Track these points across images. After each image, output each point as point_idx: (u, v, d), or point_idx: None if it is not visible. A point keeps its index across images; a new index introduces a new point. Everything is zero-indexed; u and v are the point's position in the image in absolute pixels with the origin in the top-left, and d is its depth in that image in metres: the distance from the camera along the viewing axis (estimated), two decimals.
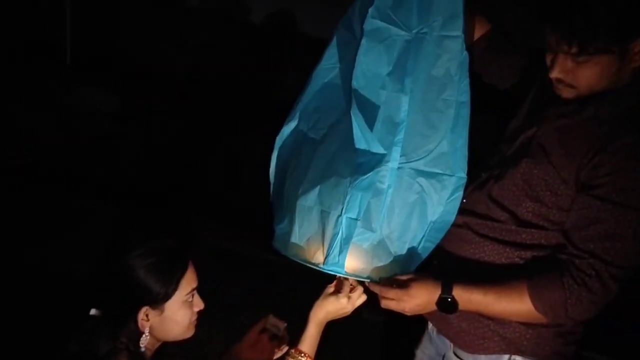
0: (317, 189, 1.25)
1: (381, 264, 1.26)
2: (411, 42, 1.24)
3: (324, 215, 1.23)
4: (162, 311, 1.20)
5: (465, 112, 1.26)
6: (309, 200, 1.25)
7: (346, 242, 1.22)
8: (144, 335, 1.19)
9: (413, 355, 1.56)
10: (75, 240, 3.12)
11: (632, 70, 1.17)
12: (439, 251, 1.33)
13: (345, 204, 1.20)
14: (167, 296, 1.19)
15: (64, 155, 4.13)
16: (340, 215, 1.20)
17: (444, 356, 1.40)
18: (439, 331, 1.40)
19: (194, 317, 1.25)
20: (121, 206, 3.60)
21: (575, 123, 1.20)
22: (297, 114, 1.36)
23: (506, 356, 1.29)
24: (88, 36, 4.28)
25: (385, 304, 1.23)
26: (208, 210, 3.88)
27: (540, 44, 1.19)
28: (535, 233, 1.24)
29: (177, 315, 1.21)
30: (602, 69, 1.14)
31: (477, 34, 1.46)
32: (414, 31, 1.25)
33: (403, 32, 1.25)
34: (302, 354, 1.26)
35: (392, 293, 1.22)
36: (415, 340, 1.56)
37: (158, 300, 1.18)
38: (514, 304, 1.19)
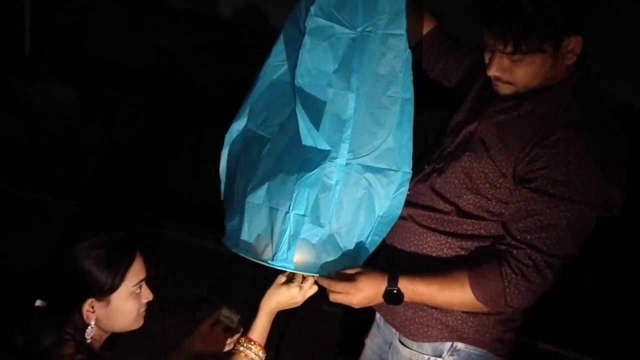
0: (265, 186, 1.26)
1: (330, 258, 1.28)
2: (356, 40, 1.26)
3: (272, 212, 1.24)
4: (108, 303, 1.20)
5: (410, 108, 1.28)
6: (257, 198, 1.26)
7: (294, 238, 1.23)
8: (89, 327, 1.19)
9: (364, 344, 1.60)
10: (28, 236, 3.07)
11: (566, 67, 1.22)
12: (386, 243, 1.36)
13: (293, 200, 1.21)
14: (113, 288, 1.19)
15: (23, 151, 4.04)
16: (288, 212, 1.22)
17: (390, 344, 1.44)
18: (386, 320, 1.44)
19: (143, 309, 1.26)
20: (80, 202, 3.56)
21: (513, 119, 1.24)
22: (246, 112, 1.37)
23: (448, 343, 1.33)
24: (48, 26, 4.18)
25: (333, 297, 1.26)
26: (171, 206, 3.86)
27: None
28: (476, 224, 1.28)
29: (124, 306, 1.21)
30: (537, 66, 1.19)
31: (424, 30, 1.50)
32: (358, 29, 1.26)
33: (348, 30, 1.26)
34: (252, 343, 1.27)
35: (340, 287, 1.24)
36: (367, 330, 1.60)
37: (104, 292, 1.19)
38: (456, 294, 1.23)
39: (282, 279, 1.32)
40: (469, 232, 1.29)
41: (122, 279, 1.20)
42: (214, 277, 3.09)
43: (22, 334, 1.18)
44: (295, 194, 1.21)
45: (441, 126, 1.43)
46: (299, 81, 1.26)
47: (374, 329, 1.56)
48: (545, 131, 1.19)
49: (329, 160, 1.24)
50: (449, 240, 1.30)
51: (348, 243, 1.29)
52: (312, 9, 1.25)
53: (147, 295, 1.26)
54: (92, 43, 4.23)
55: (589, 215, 1.19)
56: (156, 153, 3.94)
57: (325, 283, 1.27)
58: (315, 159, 1.23)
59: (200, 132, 3.90)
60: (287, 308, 1.31)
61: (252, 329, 1.30)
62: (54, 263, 1.20)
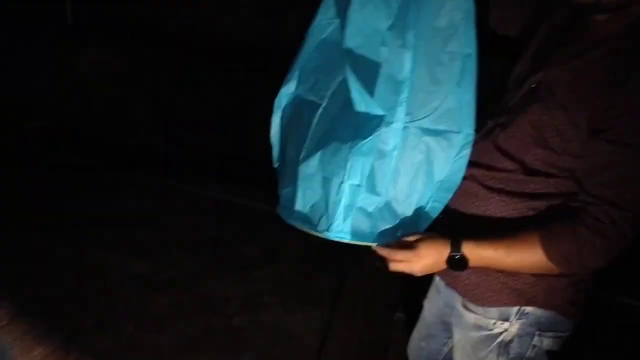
0: (318, 155, 1.20)
1: (388, 226, 1.23)
2: None
3: (326, 182, 1.20)
4: None
5: (472, 64, 1.19)
6: (310, 167, 1.21)
7: (349, 209, 1.19)
8: None
9: (421, 306, 1.56)
10: (81, 203, 3.15)
11: None
12: (447, 207, 1.28)
13: (347, 170, 1.16)
14: None
15: (75, 118, 4.12)
16: (342, 182, 1.17)
17: (453, 308, 1.40)
18: (447, 284, 1.39)
19: None
20: (130, 168, 3.62)
21: (587, 63, 1.13)
22: (296, 74, 1.30)
23: (516, 307, 1.27)
24: None
25: (394, 266, 1.21)
26: (220, 167, 3.88)
27: None
28: (545, 181, 1.19)
29: None
30: None
31: None
32: None
33: None
34: None
35: (400, 255, 1.20)
36: (422, 290, 1.56)
37: None
38: (527, 257, 1.16)
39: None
40: (537, 191, 1.20)
41: None
42: (264, 238, 3.12)
43: None
44: (349, 163, 1.16)
45: (502, 78, 1.33)
46: (349, 43, 1.18)
47: (432, 292, 1.51)
48: (623, 74, 1.07)
49: (385, 126, 1.16)
50: (515, 200, 1.21)
51: (406, 210, 1.23)
52: None
53: None
54: (132, 7, 4.21)
55: None
56: (203, 114, 3.95)
57: (384, 252, 1.22)
58: (369, 124, 1.16)
59: (246, 92, 3.86)
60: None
61: None
62: None
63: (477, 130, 1.27)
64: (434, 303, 1.50)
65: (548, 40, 1.25)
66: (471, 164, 1.25)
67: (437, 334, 1.52)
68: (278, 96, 1.32)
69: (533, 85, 1.20)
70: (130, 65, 4.04)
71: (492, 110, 1.30)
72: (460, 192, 1.27)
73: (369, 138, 1.15)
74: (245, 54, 3.94)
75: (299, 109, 1.30)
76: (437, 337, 1.52)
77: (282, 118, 1.34)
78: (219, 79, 3.86)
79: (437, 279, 1.47)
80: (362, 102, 1.17)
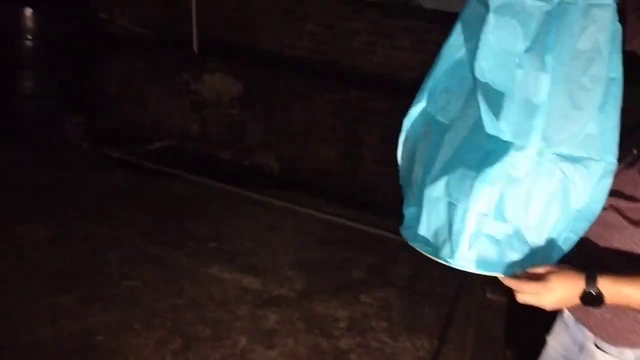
0: (444, 180, 1.17)
1: (517, 256, 1.17)
2: (552, 14, 1.12)
3: (451, 208, 1.16)
4: None
5: (616, 89, 1.11)
6: (436, 191, 1.19)
7: (475, 237, 1.14)
8: None
9: (544, 341, 1.47)
10: (203, 221, 3.33)
11: None
12: (582, 238, 1.22)
13: (473, 197, 1.12)
14: None
15: (198, 139, 4.39)
16: (467, 210, 1.12)
17: (582, 347, 1.31)
18: (578, 320, 1.30)
19: None
20: (245, 187, 3.78)
21: None
22: (425, 95, 1.29)
23: None
24: (211, 25, 4.47)
25: (522, 299, 1.14)
26: (329, 188, 3.95)
27: None
28: None
29: None
30: None
31: None
32: (555, 1, 1.12)
33: (542, 3, 1.12)
34: None
35: (529, 287, 1.13)
36: (545, 325, 1.47)
37: None
38: None
39: None
40: None
41: None
42: (373, 260, 3.12)
43: None
44: (475, 190, 1.11)
45: None
46: (482, 64, 1.14)
47: (559, 328, 1.42)
48: None
49: (517, 150, 1.11)
50: None
51: (538, 240, 1.16)
52: None
53: None
54: (252, 38, 4.45)
55: None
56: (315, 136, 4.05)
57: (511, 283, 1.15)
58: (498, 150, 1.12)
59: (357, 115, 3.92)
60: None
61: None
62: None
63: (622, 158, 1.20)
64: (560, 340, 1.41)
65: None
66: (613, 193, 1.17)
67: None
68: (407, 116, 1.31)
69: None
70: (245, 90, 4.25)
71: (637, 136, 1.23)
72: (598, 222, 1.18)
73: (496, 165, 1.11)
74: (355, 78, 4.01)
75: (428, 130, 1.28)
76: None
77: (409, 138, 1.32)
78: (330, 101, 3.96)
79: (565, 314, 1.38)
80: (491, 125, 1.13)
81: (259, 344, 2.35)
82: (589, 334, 1.26)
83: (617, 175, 1.17)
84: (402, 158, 1.34)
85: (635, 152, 1.19)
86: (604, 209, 1.17)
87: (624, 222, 1.17)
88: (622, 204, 1.18)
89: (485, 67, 1.14)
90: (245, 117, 4.30)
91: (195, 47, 4.47)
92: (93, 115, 4.43)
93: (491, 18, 1.13)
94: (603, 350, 1.23)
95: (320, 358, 2.34)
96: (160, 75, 4.49)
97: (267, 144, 4.28)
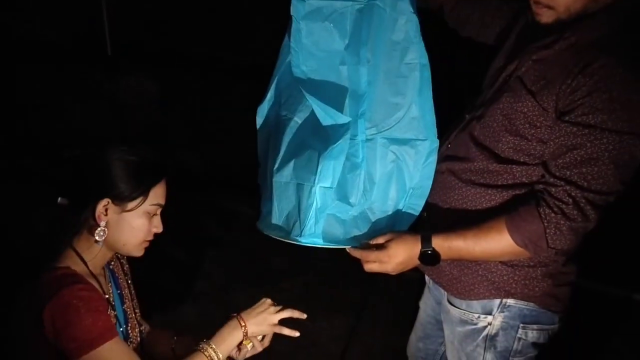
0: (291, 164, 1.24)
1: (361, 232, 1.26)
2: (363, 11, 1.21)
3: (299, 188, 1.23)
4: (122, 210, 1.19)
5: (428, 74, 1.22)
6: (284, 176, 1.25)
7: (321, 211, 1.21)
8: (99, 227, 1.18)
9: (413, 309, 1.60)
10: None
11: None
12: (426, 202, 1.32)
13: (318, 173, 1.19)
14: (132, 197, 1.18)
15: (115, 144, 4.35)
16: (313, 186, 1.19)
17: (440, 303, 1.42)
18: (434, 281, 1.41)
19: (149, 237, 1.24)
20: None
21: (555, 53, 1.17)
22: (272, 92, 1.35)
23: (497, 300, 1.29)
24: (125, 26, 4.44)
25: (368, 267, 1.24)
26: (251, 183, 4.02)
27: None
28: (517, 170, 1.22)
29: (135, 221, 1.20)
30: None
31: None
32: None
33: (351, 2, 1.21)
34: (213, 348, 1.22)
35: (372, 256, 1.22)
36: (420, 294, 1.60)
37: (121, 197, 1.18)
38: (494, 242, 1.18)
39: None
40: (510, 182, 1.22)
41: (142, 193, 1.19)
42: (294, 250, 3.20)
43: (43, 223, 1.24)
44: (320, 167, 1.19)
45: (479, 76, 1.38)
46: (303, 68, 1.22)
47: (425, 291, 1.55)
48: (587, 59, 1.10)
49: (352, 139, 1.20)
50: (490, 192, 1.24)
51: (380, 219, 1.26)
52: None
53: (158, 225, 1.24)
54: (166, 37, 4.44)
55: (633, 146, 1.10)
56: (237, 135, 4.10)
57: (357, 254, 1.25)
58: (338, 132, 1.20)
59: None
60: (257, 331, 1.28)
61: (215, 338, 1.24)
62: (84, 156, 1.21)
63: (457, 124, 1.32)
64: (427, 302, 1.54)
65: (521, 37, 1.30)
66: (449, 157, 1.29)
67: (433, 334, 1.54)
68: (258, 113, 1.37)
69: (507, 78, 1.24)
70: (164, 91, 4.26)
71: (470, 105, 1.34)
72: (439, 185, 1.30)
73: (338, 142, 1.18)
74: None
75: (277, 125, 1.34)
76: (433, 337, 1.55)
77: (263, 134, 1.39)
78: (243, 98, 4.02)
79: (426, 277, 1.51)
80: (326, 116, 1.20)
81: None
82: (443, 292, 1.39)
83: (453, 140, 1.30)
84: (260, 155, 1.40)
85: (467, 116, 1.32)
86: (442, 172, 1.29)
87: (459, 183, 1.28)
88: (457, 166, 1.28)
89: (307, 70, 1.22)
90: (164, 117, 4.30)
91: (108, 49, 4.43)
92: (4, 124, 4.32)
93: (301, 25, 1.21)
94: (454, 305, 1.36)
95: None
96: (73, 79, 4.42)
97: (188, 143, 4.29)
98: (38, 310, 1.12)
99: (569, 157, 1.13)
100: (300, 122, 1.27)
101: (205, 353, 1.21)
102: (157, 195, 1.23)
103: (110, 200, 1.19)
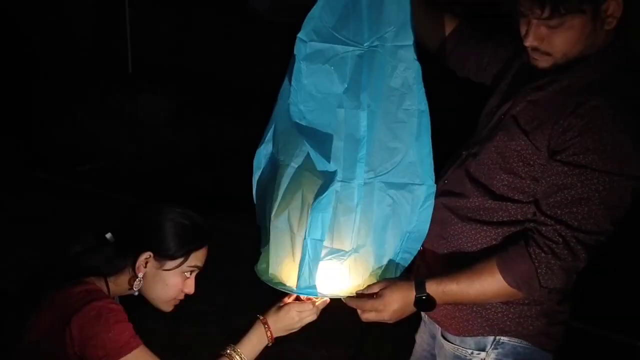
0: (286, 213, 1.25)
1: (360, 279, 1.26)
2: (363, 57, 1.22)
3: (293, 239, 1.24)
4: (161, 266, 1.26)
5: (426, 120, 1.24)
6: (280, 224, 1.26)
7: (314, 263, 1.21)
8: (137, 279, 1.26)
9: (414, 341, 1.60)
10: None
11: (606, 33, 1.14)
12: (425, 240, 1.31)
13: (308, 225, 1.19)
14: (173, 256, 1.26)
15: (129, 160, 4.43)
16: (305, 238, 1.19)
17: (434, 338, 1.41)
18: (430, 315, 1.40)
19: (181, 296, 1.31)
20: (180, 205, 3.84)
21: (549, 95, 1.19)
22: (269, 135, 1.36)
23: (491, 337, 1.28)
24: (147, 47, 4.56)
25: (365, 317, 1.24)
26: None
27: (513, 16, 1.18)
28: (512, 208, 1.22)
29: (170, 279, 1.27)
30: (576, 32, 1.13)
31: (447, 30, 1.45)
32: (365, 45, 1.23)
33: (352, 48, 1.22)
34: (237, 355, 1.27)
35: (368, 305, 1.22)
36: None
37: (164, 255, 1.25)
38: (488, 284, 1.18)
39: (281, 303, 1.30)
40: (505, 219, 1.22)
41: (184, 254, 1.26)
42: None
43: (79, 246, 1.29)
44: (310, 219, 1.19)
45: (476, 114, 1.40)
46: (301, 108, 1.22)
47: (421, 325, 1.53)
48: (579, 101, 1.12)
49: (345, 182, 1.21)
50: (485, 228, 1.24)
51: (377, 263, 1.26)
52: (302, 35, 1.22)
53: (191, 286, 1.31)
54: (186, 57, 4.55)
55: (623, 187, 1.10)
56: (244, 159, 4.16)
57: (353, 304, 1.24)
58: (328, 181, 1.20)
59: None
60: (282, 334, 1.30)
61: (242, 342, 1.29)
62: (140, 209, 1.32)
63: (454, 161, 1.33)
64: (422, 336, 1.53)
65: (517, 77, 1.31)
66: (445, 193, 1.29)
67: None
68: (256, 156, 1.38)
69: (501, 117, 1.26)
70: (179, 110, 4.34)
71: (467, 142, 1.36)
72: (435, 221, 1.30)
73: (324, 194, 1.18)
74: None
75: (274, 169, 1.35)
76: None
77: (261, 177, 1.39)
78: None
79: (422, 312, 1.50)
80: (320, 160, 1.21)
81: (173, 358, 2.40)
82: (438, 326, 1.39)
83: (450, 176, 1.32)
84: (257, 198, 1.41)
85: (463, 153, 1.33)
86: (438, 208, 1.30)
87: (455, 219, 1.28)
88: (453, 202, 1.29)
89: (305, 110, 1.24)
90: (178, 136, 4.37)
91: (130, 66, 4.55)
92: (23, 137, 4.43)
93: (302, 66, 1.23)
94: (448, 340, 1.35)
95: None
96: (93, 95, 4.54)
97: (200, 163, 4.35)
98: (65, 319, 1.17)
99: (560, 196, 1.13)
100: (296, 167, 1.28)
101: (232, 359, 1.25)
102: (197, 258, 1.30)
103: (152, 255, 1.26)
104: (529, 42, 1.17)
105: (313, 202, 1.19)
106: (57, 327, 1.17)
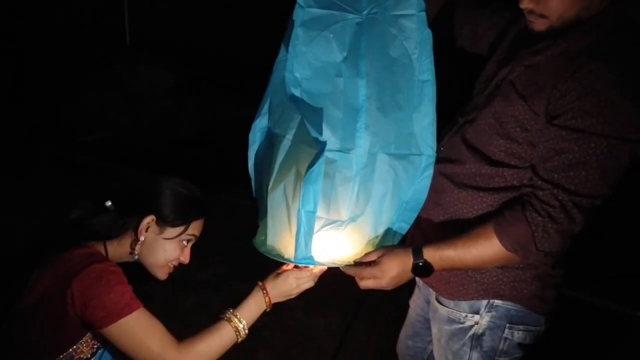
0: (282, 186, 1.24)
1: (357, 248, 1.26)
2: (362, 24, 1.19)
3: (289, 211, 1.23)
4: (161, 232, 1.29)
5: (430, 89, 1.22)
6: (276, 197, 1.25)
7: (309, 235, 1.19)
8: (139, 243, 1.28)
9: (407, 306, 1.61)
10: None
11: None
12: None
13: (301, 197, 1.17)
14: (173, 223, 1.29)
15: (129, 132, 4.41)
16: (299, 210, 1.18)
17: (429, 302, 1.42)
18: (424, 280, 1.42)
19: (175, 263, 1.33)
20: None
21: (547, 59, 1.17)
22: (265, 108, 1.34)
23: (485, 301, 1.29)
24: (145, 19, 4.50)
25: (363, 284, 1.24)
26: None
27: None
28: (508, 174, 1.21)
29: (168, 245, 1.30)
30: None
31: (441, 0, 1.43)
32: (364, 13, 1.20)
33: (352, 15, 1.19)
34: (237, 319, 1.28)
35: (366, 272, 1.22)
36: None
37: (165, 221, 1.28)
38: (484, 249, 1.18)
39: (280, 270, 1.31)
40: (501, 185, 1.22)
41: (184, 222, 1.30)
42: None
43: (78, 212, 1.31)
44: (302, 191, 1.17)
45: (473, 81, 1.38)
46: (297, 75, 1.20)
47: (415, 290, 1.55)
48: (577, 65, 1.11)
49: (344, 152, 1.19)
50: (482, 194, 1.24)
51: (374, 232, 1.25)
52: (300, 1, 1.18)
53: (187, 255, 1.34)
54: (185, 30, 4.50)
55: (620, 151, 1.09)
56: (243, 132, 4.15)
57: (351, 272, 1.25)
58: (317, 153, 1.18)
59: None
60: (280, 300, 1.32)
61: (241, 307, 1.30)
62: (140, 180, 1.34)
63: (450, 128, 1.32)
64: (416, 302, 1.54)
65: (514, 42, 1.30)
66: (442, 160, 1.29)
67: (421, 332, 1.54)
68: (252, 130, 1.36)
69: (499, 82, 1.25)
70: (179, 83, 4.31)
71: (464, 108, 1.34)
72: (432, 188, 1.29)
73: (314, 166, 1.16)
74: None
75: (270, 142, 1.33)
76: (422, 335, 1.54)
77: (257, 151, 1.38)
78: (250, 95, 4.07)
79: (417, 277, 1.51)
80: (312, 132, 1.18)
81: (174, 327, 2.43)
82: (432, 291, 1.40)
83: (446, 143, 1.31)
84: (254, 171, 1.40)
85: (460, 120, 1.32)
86: (435, 175, 1.30)
87: (451, 186, 1.28)
88: (449, 169, 1.29)
89: (302, 78, 1.21)
90: (179, 109, 4.35)
91: (127, 39, 4.49)
92: (23, 111, 4.41)
93: (300, 32, 1.20)
94: (442, 304, 1.36)
95: None
96: (93, 68, 4.50)
97: (200, 135, 4.34)
98: (66, 280, 1.18)
99: (557, 160, 1.12)
100: (291, 139, 1.26)
101: (231, 323, 1.27)
102: (195, 227, 1.33)
103: (155, 218, 1.29)
104: (524, 4, 1.16)
105: (305, 174, 1.18)
106: (58, 288, 1.19)
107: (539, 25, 1.17)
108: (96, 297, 1.17)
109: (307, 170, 1.17)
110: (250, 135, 1.37)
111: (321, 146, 1.17)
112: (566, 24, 1.15)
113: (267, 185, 1.29)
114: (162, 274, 1.35)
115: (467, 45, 1.46)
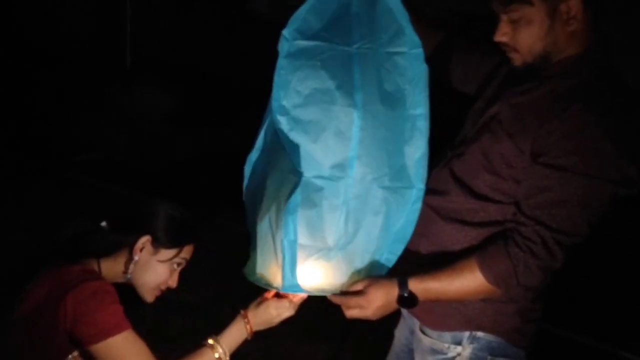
0: (267, 216, 1.25)
1: (344, 278, 1.26)
2: (353, 57, 1.20)
3: (275, 241, 1.23)
4: (154, 254, 1.30)
5: (422, 124, 1.23)
6: (264, 228, 1.26)
7: (293, 263, 1.20)
8: (132, 262, 1.29)
9: (393, 336, 1.62)
10: None
11: (570, 35, 1.18)
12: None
13: (283, 227, 1.18)
14: (167, 245, 1.30)
15: (124, 152, 4.42)
16: (282, 239, 1.19)
17: (413, 332, 1.42)
18: (409, 310, 1.39)
19: (163, 287, 1.34)
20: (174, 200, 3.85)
21: (532, 99, 1.21)
22: (260, 143, 1.35)
23: (467, 332, 1.29)
24: (146, 41, 4.56)
25: (349, 314, 1.24)
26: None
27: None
28: (493, 209, 1.23)
29: (159, 268, 1.31)
30: (535, 27, 1.17)
31: (435, 42, 1.47)
32: (354, 47, 1.20)
33: (342, 47, 1.20)
34: (219, 345, 1.30)
35: (352, 302, 1.23)
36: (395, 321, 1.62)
37: (159, 242, 1.29)
38: (467, 282, 1.20)
39: (261, 299, 1.32)
40: (485, 219, 1.24)
41: (177, 246, 1.31)
42: None
43: (73, 230, 1.31)
44: (284, 221, 1.18)
45: (462, 117, 1.40)
46: (284, 104, 1.18)
47: (400, 321, 1.56)
48: (562, 106, 1.15)
49: (332, 180, 1.19)
50: (466, 229, 1.25)
51: (361, 262, 1.26)
52: (286, 33, 1.18)
53: (174, 280, 1.35)
54: (186, 53, 4.55)
55: (601, 190, 1.13)
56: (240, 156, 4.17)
57: (338, 300, 1.25)
58: (297, 182, 1.18)
59: None
60: (261, 328, 1.33)
61: (224, 334, 1.32)
62: (138, 201, 1.36)
63: (439, 161, 1.34)
64: (401, 332, 1.54)
65: (504, 81, 1.34)
66: (429, 191, 1.30)
67: None
68: (247, 161, 1.38)
69: (488, 119, 1.28)
70: (177, 105, 4.34)
71: (452, 143, 1.37)
72: (419, 220, 1.30)
73: (292, 196, 1.17)
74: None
75: (263, 173, 1.34)
76: None
77: (251, 183, 1.39)
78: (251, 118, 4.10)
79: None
80: (293, 158, 1.18)
81: (160, 350, 2.41)
82: (416, 321, 1.40)
83: (434, 176, 1.34)
84: (247, 202, 1.40)
85: (449, 153, 1.34)
86: (422, 206, 1.32)
87: (437, 218, 1.30)
88: (436, 201, 1.30)
89: (289, 106, 1.19)
90: (175, 131, 4.37)
91: (128, 62, 4.55)
92: (21, 127, 4.42)
93: (284, 62, 1.19)
94: (426, 335, 1.36)
95: None
96: (92, 88, 4.53)
97: (196, 159, 4.35)
98: (60, 294, 1.18)
99: (540, 197, 1.15)
100: (280, 169, 1.26)
101: (213, 350, 1.29)
102: (187, 251, 1.35)
103: (151, 239, 1.30)
104: (497, 38, 1.22)
105: (287, 204, 1.18)
106: (51, 303, 1.19)
107: (516, 60, 1.23)
108: (89, 314, 1.18)
109: (288, 200, 1.18)
110: (245, 168, 1.39)
111: (299, 176, 1.17)
112: (538, 59, 1.20)
113: (256, 215, 1.30)
114: (150, 297, 1.35)
115: (459, 85, 1.51)
